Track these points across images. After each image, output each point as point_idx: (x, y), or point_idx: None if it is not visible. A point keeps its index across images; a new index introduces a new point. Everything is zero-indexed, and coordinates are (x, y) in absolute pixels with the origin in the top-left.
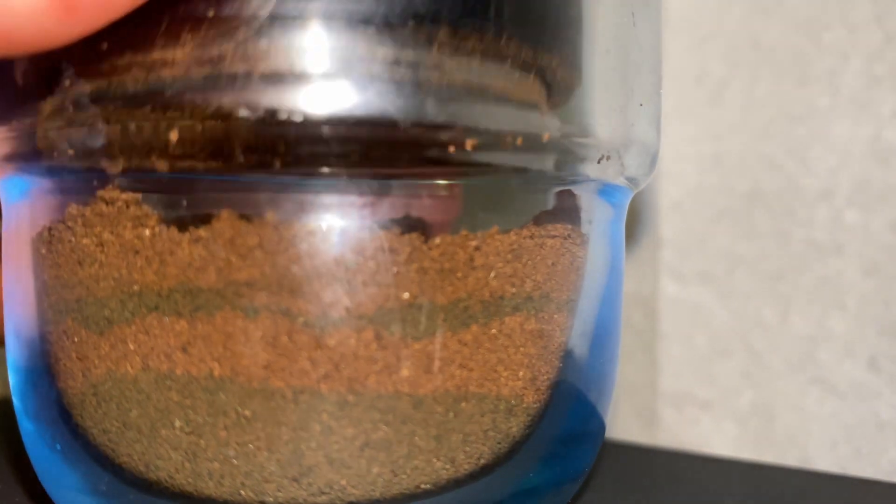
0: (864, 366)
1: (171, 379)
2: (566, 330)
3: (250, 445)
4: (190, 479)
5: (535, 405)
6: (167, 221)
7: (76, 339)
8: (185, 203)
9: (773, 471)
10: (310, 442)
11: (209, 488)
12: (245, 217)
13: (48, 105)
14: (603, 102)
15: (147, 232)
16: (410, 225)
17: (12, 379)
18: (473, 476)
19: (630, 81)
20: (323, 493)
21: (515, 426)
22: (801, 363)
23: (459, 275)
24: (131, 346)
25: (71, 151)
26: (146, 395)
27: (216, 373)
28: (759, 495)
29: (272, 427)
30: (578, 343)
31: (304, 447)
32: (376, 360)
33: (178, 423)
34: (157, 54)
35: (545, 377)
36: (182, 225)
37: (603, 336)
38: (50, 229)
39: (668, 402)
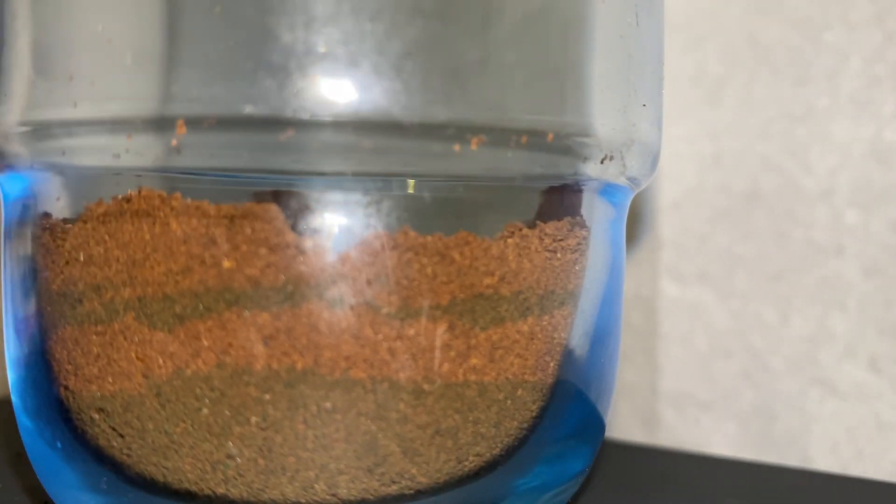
0: (865, 366)
1: (249, 374)
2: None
3: (329, 438)
4: (262, 476)
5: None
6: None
7: (136, 339)
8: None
9: (773, 471)
10: (386, 431)
11: (281, 484)
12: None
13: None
14: (605, 103)
15: (224, 229)
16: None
17: (11, 377)
18: (476, 474)
19: (633, 82)
20: (394, 482)
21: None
22: (802, 364)
23: (518, 270)
24: (205, 343)
25: (79, 154)
26: (220, 392)
27: (299, 365)
28: (760, 495)
29: (351, 418)
30: (579, 343)
31: (380, 437)
32: (450, 349)
33: (254, 420)
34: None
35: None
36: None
37: (603, 336)
38: (68, 226)
39: (668, 403)
